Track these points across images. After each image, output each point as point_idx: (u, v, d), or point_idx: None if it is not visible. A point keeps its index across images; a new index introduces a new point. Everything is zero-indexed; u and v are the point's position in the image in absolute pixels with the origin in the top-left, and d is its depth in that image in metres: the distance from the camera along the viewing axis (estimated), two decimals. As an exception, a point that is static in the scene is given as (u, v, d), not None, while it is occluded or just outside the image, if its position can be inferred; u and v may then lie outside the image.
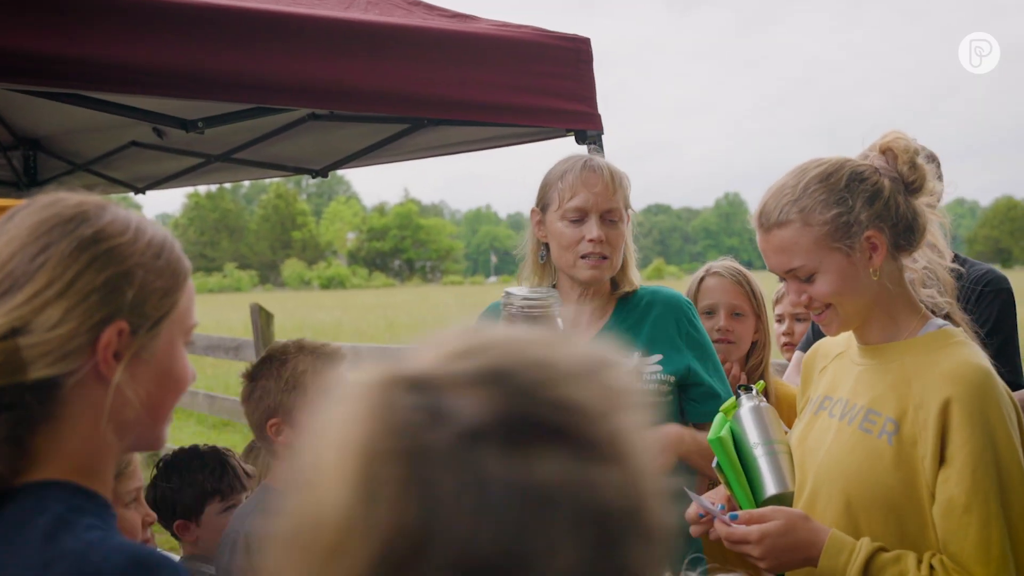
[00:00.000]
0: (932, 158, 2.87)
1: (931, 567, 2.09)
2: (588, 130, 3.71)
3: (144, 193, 6.20)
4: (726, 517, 2.28)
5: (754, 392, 2.51)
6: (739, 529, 2.23)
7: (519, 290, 2.58)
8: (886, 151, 2.29)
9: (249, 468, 3.49)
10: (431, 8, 3.59)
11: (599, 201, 2.81)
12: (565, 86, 3.63)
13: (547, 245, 2.93)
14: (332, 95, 3.12)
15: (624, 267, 2.95)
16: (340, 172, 5.41)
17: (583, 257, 2.84)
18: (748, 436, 2.42)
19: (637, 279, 2.99)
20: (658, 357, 2.88)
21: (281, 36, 2.96)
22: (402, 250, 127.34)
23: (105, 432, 1.39)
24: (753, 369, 3.29)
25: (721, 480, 2.46)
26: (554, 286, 2.97)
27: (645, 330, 2.91)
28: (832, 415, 2.36)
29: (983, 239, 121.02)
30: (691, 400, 2.90)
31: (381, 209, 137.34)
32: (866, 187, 2.23)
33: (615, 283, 2.98)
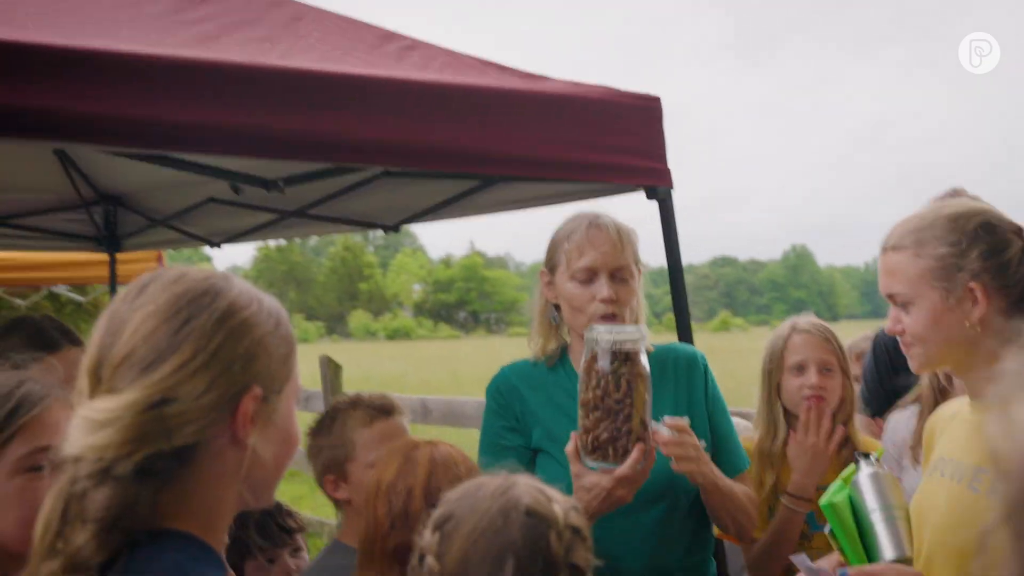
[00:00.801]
0: None
1: None
2: (658, 187, 3.73)
3: (220, 247, 6.34)
4: (838, 572, 2.25)
5: (872, 459, 2.47)
6: None
7: (604, 328, 2.54)
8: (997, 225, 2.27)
9: (300, 517, 3.45)
10: (503, 69, 3.65)
11: (607, 260, 2.77)
12: (636, 143, 3.66)
13: (557, 306, 2.89)
14: (407, 154, 3.18)
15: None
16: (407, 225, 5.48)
17: (593, 317, 2.77)
18: (867, 502, 2.39)
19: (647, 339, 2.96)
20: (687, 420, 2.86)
21: (359, 97, 3.03)
22: (467, 302, 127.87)
23: (237, 491, 1.47)
24: (843, 423, 3.25)
25: (835, 547, 2.43)
26: (564, 350, 2.94)
27: (668, 396, 2.85)
28: (944, 475, 2.32)
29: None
30: (723, 453, 2.87)
31: (447, 261, 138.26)
32: (991, 239, 2.22)
33: None
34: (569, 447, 2.51)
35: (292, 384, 1.53)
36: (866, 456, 2.48)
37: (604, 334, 2.47)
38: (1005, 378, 0.76)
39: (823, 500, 2.43)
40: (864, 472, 2.43)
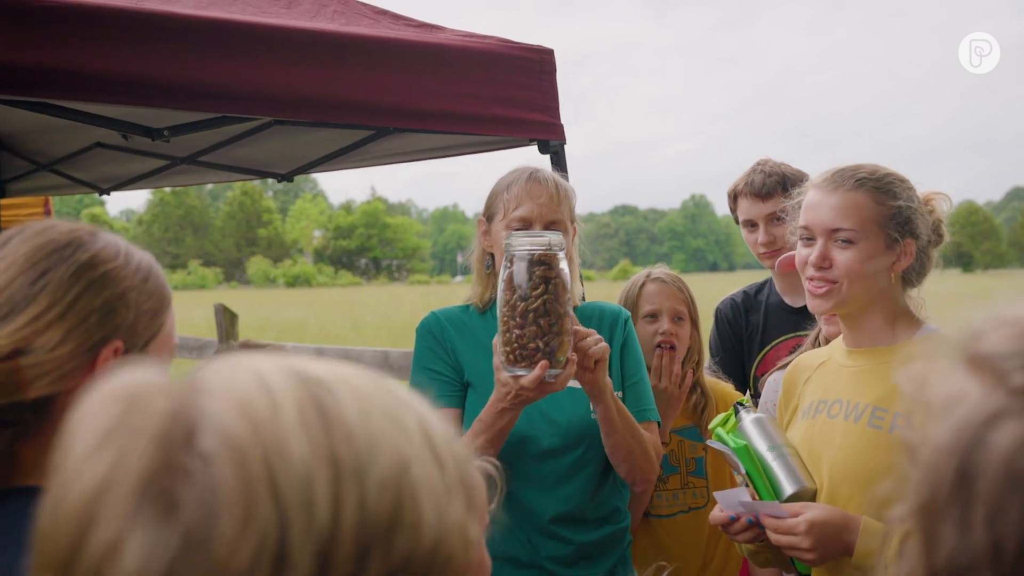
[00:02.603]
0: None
1: None
2: (551, 140, 3.76)
3: (108, 194, 6.19)
4: (775, 508, 2.35)
5: (748, 406, 2.58)
6: (788, 521, 2.29)
7: (522, 233, 2.58)
8: (927, 201, 2.47)
9: None
10: (397, 18, 3.63)
11: (543, 212, 2.81)
12: (528, 97, 3.68)
13: (492, 255, 2.93)
14: (295, 105, 3.15)
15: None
16: (302, 173, 5.42)
17: None
18: (757, 445, 2.49)
19: (580, 294, 3.01)
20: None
21: (246, 46, 2.98)
22: (368, 248, 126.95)
23: None
24: (691, 370, 3.35)
25: (750, 487, 2.51)
26: (493, 300, 2.96)
27: None
28: (832, 416, 2.45)
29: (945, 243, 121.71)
30: (629, 400, 2.92)
31: (348, 207, 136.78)
32: (923, 208, 2.44)
33: None
34: (496, 359, 2.54)
35: (162, 340, 1.52)
36: (743, 404, 2.59)
37: (520, 238, 2.51)
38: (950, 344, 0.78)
39: (733, 446, 2.50)
40: (747, 419, 2.54)
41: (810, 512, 2.29)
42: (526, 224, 2.83)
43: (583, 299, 3.05)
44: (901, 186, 2.41)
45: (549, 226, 2.84)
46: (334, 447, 0.70)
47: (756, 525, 2.40)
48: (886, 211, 2.37)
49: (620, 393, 2.89)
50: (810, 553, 2.28)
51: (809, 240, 2.44)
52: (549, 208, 2.83)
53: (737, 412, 2.57)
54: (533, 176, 2.88)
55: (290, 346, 8.66)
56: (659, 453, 2.91)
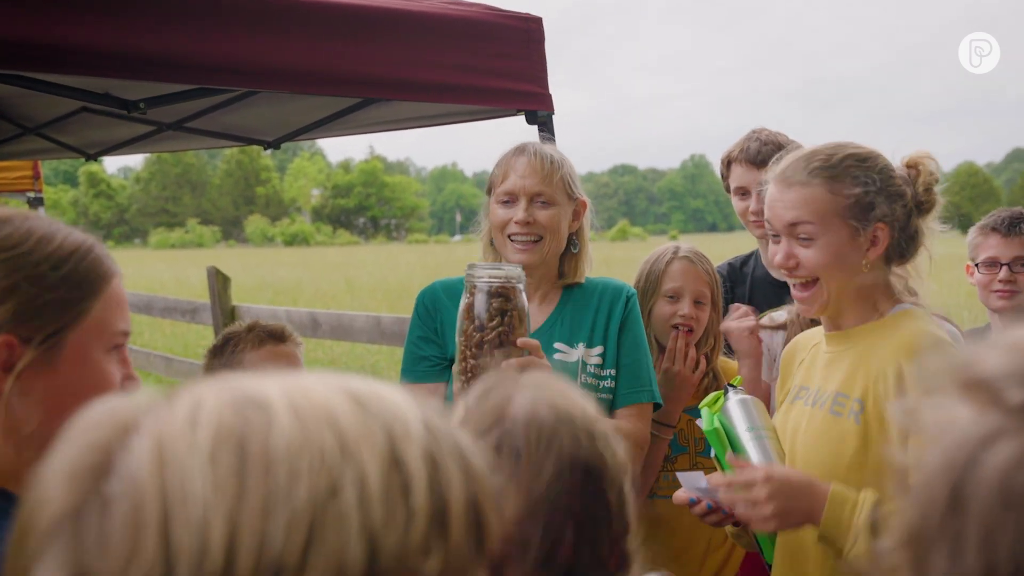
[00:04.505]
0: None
1: None
2: (539, 111, 3.71)
3: (96, 159, 6.13)
4: (734, 458, 2.32)
5: (739, 388, 2.56)
6: (745, 472, 2.24)
7: (484, 265, 2.63)
8: (911, 167, 2.38)
9: None
10: (381, -15, 3.56)
11: (527, 184, 2.84)
12: (515, 66, 3.62)
13: None
14: (276, 76, 3.10)
15: (576, 258, 2.97)
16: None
17: (511, 239, 2.87)
18: (737, 426, 2.47)
19: (585, 272, 3.00)
20: (599, 349, 2.91)
21: (226, 16, 2.92)
22: (367, 207, 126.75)
23: (3, 446, 1.39)
24: (705, 355, 3.31)
25: (719, 468, 2.49)
26: None
27: (587, 321, 2.93)
28: (806, 404, 2.43)
29: (944, 204, 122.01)
30: (622, 380, 2.94)
31: (346, 166, 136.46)
32: (892, 185, 2.33)
33: (562, 272, 2.99)
34: (456, 386, 2.58)
35: (89, 330, 1.43)
36: (732, 387, 2.56)
37: (481, 271, 2.54)
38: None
39: (705, 428, 2.49)
40: (733, 399, 2.52)
41: (770, 467, 2.25)
42: (512, 197, 2.85)
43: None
44: (860, 168, 2.32)
45: (534, 199, 2.84)
46: (243, 482, 0.67)
47: (717, 510, 2.37)
48: (844, 201, 2.29)
49: (613, 371, 2.89)
50: (767, 506, 2.16)
51: (776, 236, 2.38)
52: (532, 181, 2.83)
53: (726, 392, 2.55)
54: (518, 149, 2.90)
55: (283, 311, 8.64)
56: (640, 440, 2.90)
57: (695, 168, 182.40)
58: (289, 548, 0.67)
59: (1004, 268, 3.61)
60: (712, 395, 2.58)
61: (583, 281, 2.99)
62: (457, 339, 2.55)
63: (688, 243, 3.46)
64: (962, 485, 0.69)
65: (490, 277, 2.52)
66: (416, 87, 3.44)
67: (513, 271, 2.54)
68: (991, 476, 0.68)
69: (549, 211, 2.86)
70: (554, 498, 1.32)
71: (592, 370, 2.90)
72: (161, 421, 0.71)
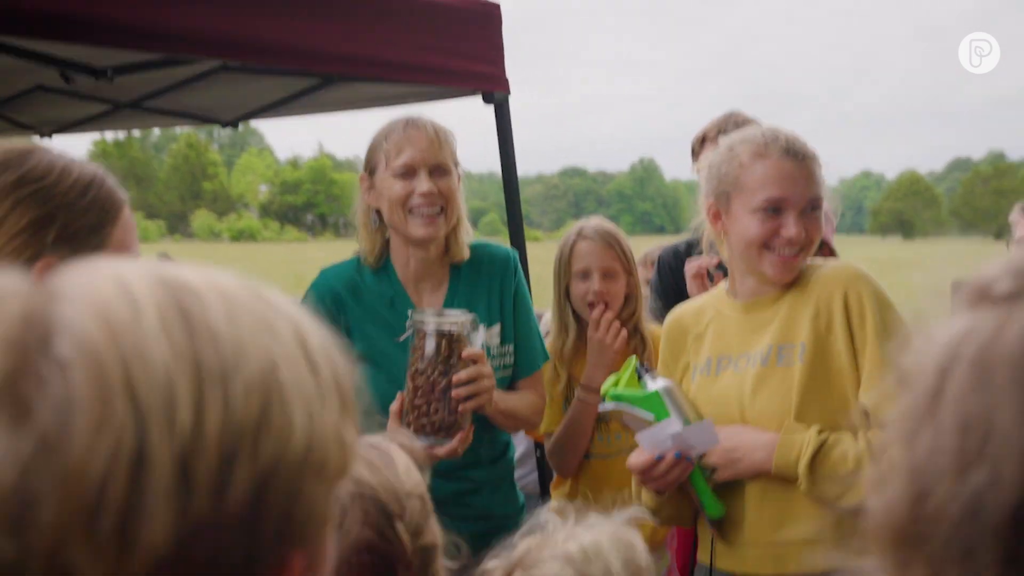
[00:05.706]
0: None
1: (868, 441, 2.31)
2: (496, 92, 3.81)
3: (51, 138, 6.11)
4: (706, 428, 2.44)
5: (646, 366, 2.62)
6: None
7: (431, 311, 2.69)
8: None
9: None
10: (343, -35, 3.63)
11: (426, 156, 2.81)
12: (473, 48, 3.72)
13: (379, 211, 2.91)
14: (242, 48, 3.16)
15: (455, 229, 2.93)
16: (253, 124, 5.40)
17: (414, 213, 2.82)
18: (678, 402, 2.57)
19: (467, 243, 2.97)
20: (497, 327, 2.95)
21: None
22: (315, 204, 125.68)
23: None
24: (626, 320, 3.42)
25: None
26: (387, 243, 2.95)
27: (482, 300, 2.95)
28: (738, 370, 2.54)
29: (887, 211, 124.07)
30: (520, 352, 3.01)
31: (294, 162, 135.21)
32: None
33: (447, 247, 2.96)
34: (394, 406, 2.63)
35: (110, 252, 1.52)
36: (641, 365, 2.61)
37: (429, 317, 2.60)
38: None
39: (651, 389, 2.53)
40: (656, 386, 2.54)
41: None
42: (410, 171, 2.81)
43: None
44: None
45: (434, 170, 2.82)
46: (197, 350, 0.69)
47: (684, 458, 2.45)
48: (822, 180, 2.51)
49: (511, 346, 2.95)
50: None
51: (775, 212, 2.46)
52: (431, 152, 2.83)
53: (640, 377, 2.58)
54: (411, 123, 2.87)
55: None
56: (538, 410, 3.04)
57: (644, 171, 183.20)
58: (248, 412, 0.69)
59: None
60: (612, 377, 2.62)
61: (468, 256, 2.95)
62: (407, 372, 2.62)
63: (595, 219, 3.58)
64: (946, 368, 0.72)
65: (439, 323, 2.59)
66: (375, 65, 3.52)
67: (463, 317, 2.62)
68: (970, 353, 0.71)
69: (447, 180, 2.84)
70: None
71: (495, 351, 2.92)
72: (87, 292, 0.70)
